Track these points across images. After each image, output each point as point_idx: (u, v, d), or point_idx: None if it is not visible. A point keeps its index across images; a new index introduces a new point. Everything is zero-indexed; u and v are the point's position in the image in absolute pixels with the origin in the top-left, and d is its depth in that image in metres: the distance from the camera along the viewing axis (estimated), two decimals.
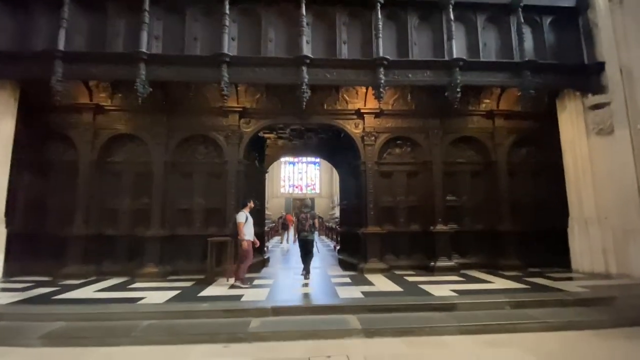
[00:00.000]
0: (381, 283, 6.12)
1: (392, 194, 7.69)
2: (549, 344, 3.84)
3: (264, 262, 8.47)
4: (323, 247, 13.18)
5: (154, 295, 5.37)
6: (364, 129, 7.54)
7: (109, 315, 4.42)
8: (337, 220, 24.12)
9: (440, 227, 7.30)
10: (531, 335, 4.11)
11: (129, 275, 6.75)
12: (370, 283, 6.11)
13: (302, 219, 6.82)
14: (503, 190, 7.66)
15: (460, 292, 5.31)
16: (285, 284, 6.27)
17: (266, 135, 9.82)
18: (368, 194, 7.34)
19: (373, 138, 7.52)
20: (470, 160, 7.97)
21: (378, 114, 7.57)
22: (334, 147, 9.86)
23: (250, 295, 5.30)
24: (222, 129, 7.40)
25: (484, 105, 7.91)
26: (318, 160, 38.13)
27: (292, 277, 6.97)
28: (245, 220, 6.08)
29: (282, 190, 36.89)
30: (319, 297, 5.33)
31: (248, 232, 6.09)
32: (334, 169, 35.08)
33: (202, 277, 6.57)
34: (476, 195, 7.87)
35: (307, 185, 37.62)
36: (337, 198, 32.66)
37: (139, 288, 5.96)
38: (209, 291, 5.68)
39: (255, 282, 6.41)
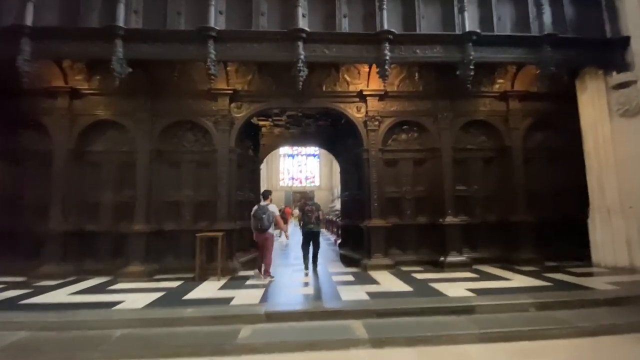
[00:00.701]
0: (387, 281, 5.56)
1: (398, 183, 7.09)
2: (584, 353, 3.29)
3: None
4: (323, 241, 12.60)
5: (135, 298, 4.81)
6: (366, 112, 6.89)
7: (78, 324, 3.85)
8: (337, 213, 23.58)
9: (450, 219, 6.72)
10: (563, 342, 3.57)
11: (112, 275, 6.18)
12: (375, 281, 5.55)
13: (308, 211, 6.60)
14: (518, 178, 7.06)
15: (477, 292, 4.75)
16: (281, 284, 5.70)
17: (261, 123, 9.18)
18: (371, 184, 6.74)
19: (377, 123, 6.88)
20: (482, 146, 7.35)
21: (382, 96, 6.92)
22: (334, 134, 9.22)
23: (242, 298, 4.73)
24: (211, 113, 6.74)
25: (497, 86, 7.25)
26: (317, 152, 37.78)
27: (290, 275, 6.41)
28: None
29: (281, 183, 36.52)
30: (319, 300, 4.75)
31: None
32: (333, 160, 34.50)
33: (191, 275, 6.00)
34: (488, 184, 7.27)
35: (306, 178, 37.31)
36: (337, 190, 32.12)
37: (120, 290, 5.39)
38: (197, 292, 5.11)
39: (249, 281, 5.85)
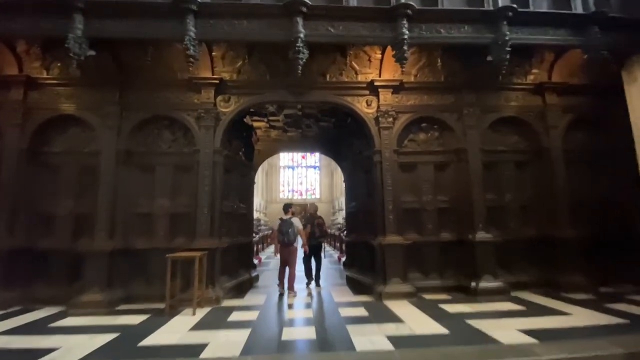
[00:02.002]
0: (412, 318, 4.30)
1: (417, 192, 5.91)
2: None
3: (251, 282, 6.66)
4: (325, 258, 11.34)
5: (76, 343, 3.57)
6: (378, 107, 5.79)
7: None
8: (339, 226, 22.28)
9: (481, 235, 5.52)
10: None
11: (65, 304, 4.93)
12: (396, 318, 4.29)
13: (319, 225, 6.81)
14: (559, 185, 5.89)
15: (537, 335, 3.50)
16: (274, 321, 4.44)
17: (256, 124, 8.08)
18: (385, 192, 5.56)
19: (391, 119, 5.76)
20: (515, 147, 6.20)
21: (397, 88, 5.82)
22: (338, 137, 8.10)
23: (219, 345, 3.48)
24: (192, 107, 5.64)
25: (531, 77, 6.17)
26: (318, 164, 36.98)
27: (286, 306, 5.16)
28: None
29: (281, 195, 35.66)
30: (325, 350, 3.47)
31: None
32: (335, 172, 33.43)
33: (163, 306, 4.76)
34: (523, 193, 6.09)
35: (306, 190, 36.60)
36: (338, 203, 30.86)
37: (65, 328, 4.15)
38: (161, 334, 3.86)
39: (234, 315, 4.60)
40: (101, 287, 5.05)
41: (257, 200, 29.62)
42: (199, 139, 5.56)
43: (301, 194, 36.28)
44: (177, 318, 4.45)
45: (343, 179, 9.54)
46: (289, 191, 36.29)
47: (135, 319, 4.42)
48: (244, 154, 6.93)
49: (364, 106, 5.83)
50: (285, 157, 36.91)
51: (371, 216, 5.97)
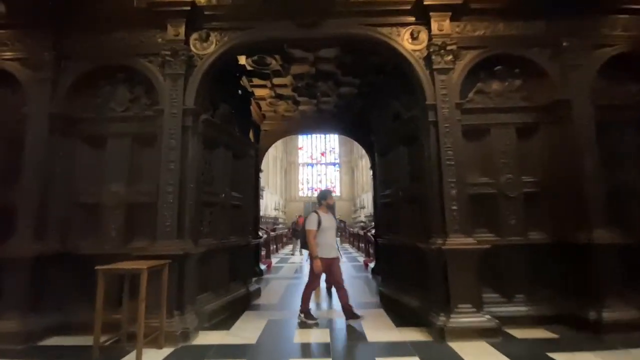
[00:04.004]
0: None
1: (489, 170, 3.89)
2: None
3: (248, 299, 4.85)
4: (347, 262, 9.43)
5: None
6: (430, 40, 3.80)
7: None
8: (362, 224, 20.19)
9: (601, 236, 3.45)
10: None
11: None
12: None
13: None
14: None
15: None
16: None
17: (258, 92, 6.30)
18: (445, 169, 3.59)
19: (450, 58, 3.77)
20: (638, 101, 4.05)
21: (459, 10, 3.81)
22: (365, 105, 6.18)
23: None
24: (155, 49, 3.88)
25: None
26: (337, 161, 35.19)
27: (292, 345, 3.30)
28: (317, 226, 3.93)
29: (300, 193, 34.37)
30: None
31: (323, 243, 3.94)
32: (355, 168, 31.51)
33: (107, 338, 3.04)
34: None
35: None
36: (360, 200, 28.79)
37: None
38: None
39: None
40: (22, 311, 3.44)
41: (276, 199, 28.12)
42: (162, 93, 3.80)
43: None
44: None
45: (370, 165, 7.62)
46: (308, 189, 34.88)
47: None
48: (238, 127, 5.13)
49: (407, 40, 3.87)
50: (304, 155, 35.53)
51: (419, 207, 4.02)
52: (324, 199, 4.15)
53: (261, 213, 20.39)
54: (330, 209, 4.19)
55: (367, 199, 25.01)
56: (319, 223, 3.91)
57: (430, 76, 3.78)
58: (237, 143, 4.95)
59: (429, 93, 3.76)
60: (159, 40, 3.89)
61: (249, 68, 5.31)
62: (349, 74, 5.43)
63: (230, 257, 4.58)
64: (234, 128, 4.99)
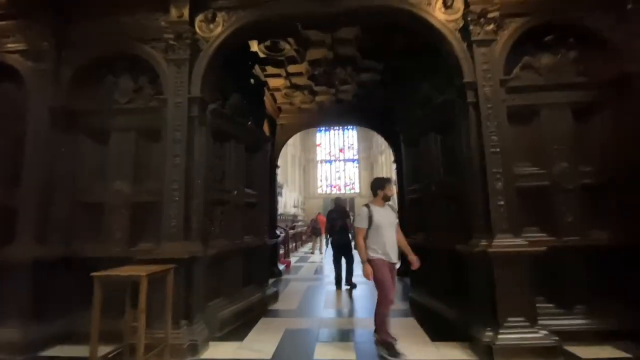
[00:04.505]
0: None
1: (539, 158, 3.31)
2: None
3: (265, 303, 4.48)
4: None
5: None
6: (466, 7, 3.25)
7: None
8: None
9: None
10: None
11: None
12: None
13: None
14: None
15: None
16: None
17: (273, 83, 5.92)
18: (489, 158, 3.05)
19: (490, 28, 3.21)
20: None
21: None
22: (388, 93, 5.67)
23: None
24: (158, 33, 3.55)
25: None
26: (356, 157, 34.54)
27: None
28: (369, 224, 3.05)
29: (319, 190, 34.07)
30: None
31: (375, 242, 3.02)
32: (374, 164, 30.71)
33: (110, 351, 2.75)
34: None
35: (345, 185, 34.64)
36: None
37: None
38: None
39: None
40: (25, 319, 3.21)
41: (295, 196, 27.91)
42: (166, 81, 3.47)
43: (339, 189, 34.53)
44: None
45: (393, 159, 7.10)
46: (327, 186, 34.54)
47: None
48: (252, 119, 4.76)
49: (440, 10, 3.34)
50: (322, 152, 35.13)
51: (456, 204, 3.50)
52: (380, 188, 3.18)
53: (280, 211, 20.30)
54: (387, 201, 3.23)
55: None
56: (370, 219, 3.04)
57: (468, 50, 3.24)
58: (250, 136, 4.58)
59: (467, 70, 3.22)
60: (162, 23, 3.55)
61: (261, 55, 4.92)
62: (370, 57, 4.94)
63: (244, 259, 4.22)
64: (247, 120, 4.62)
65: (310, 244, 13.52)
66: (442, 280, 3.67)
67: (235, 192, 4.11)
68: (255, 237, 4.56)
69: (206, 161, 3.54)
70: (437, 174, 3.86)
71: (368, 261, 2.97)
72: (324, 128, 34.90)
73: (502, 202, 2.97)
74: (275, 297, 4.85)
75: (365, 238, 3.04)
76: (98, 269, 2.76)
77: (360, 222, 3.08)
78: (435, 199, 3.84)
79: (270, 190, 6.12)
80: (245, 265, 4.24)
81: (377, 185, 3.23)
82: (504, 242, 2.87)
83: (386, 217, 3.09)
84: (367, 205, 3.15)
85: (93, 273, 2.58)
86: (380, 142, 27.23)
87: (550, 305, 3.14)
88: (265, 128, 6.54)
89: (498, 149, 3.06)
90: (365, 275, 2.94)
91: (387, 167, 25.16)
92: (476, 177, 3.09)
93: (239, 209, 4.21)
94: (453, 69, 3.37)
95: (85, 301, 3.37)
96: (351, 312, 4.34)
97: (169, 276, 2.87)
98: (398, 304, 4.57)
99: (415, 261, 3.11)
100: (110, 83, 3.79)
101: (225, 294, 3.83)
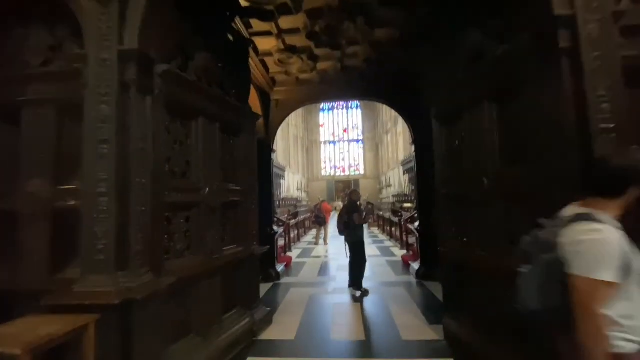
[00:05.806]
0: None
1: None
2: None
3: (253, 333, 3.45)
4: (381, 257, 7.96)
5: None
6: None
7: None
8: (390, 205, 18.43)
9: None
10: None
11: None
12: None
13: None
14: None
15: None
16: None
17: (262, 46, 4.68)
18: (596, 137, 1.88)
19: None
20: None
21: None
22: (413, 50, 4.41)
23: None
24: None
25: None
26: (361, 137, 33.11)
27: None
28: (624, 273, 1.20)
29: (323, 172, 33.14)
30: None
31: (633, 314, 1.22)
32: (380, 145, 29.28)
33: None
34: None
35: (350, 166, 33.70)
36: (386, 178, 26.79)
37: None
38: None
39: None
40: None
41: (298, 178, 26.84)
42: (86, 27, 2.29)
43: (344, 170, 33.56)
44: None
45: (411, 140, 5.93)
46: (331, 167, 33.47)
47: None
48: (232, 90, 3.58)
49: None
50: (325, 132, 33.81)
51: (526, 206, 2.36)
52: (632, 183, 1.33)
53: (283, 195, 19.26)
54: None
55: (393, 177, 23.19)
56: (627, 261, 1.21)
57: None
58: (228, 111, 3.41)
59: None
60: None
61: (243, 3, 3.67)
62: (390, 3, 3.66)
63: (225, 277, 3.17)
64: (225, 91, 3.45)
65: (314, 231, 12.51)
66: (499, 313, 2.58)
67: (207, 189, 2.99)
68: (240, 245, 3.49)
69: (157, 148, 2.41)
70: (491, 162, 2.69)
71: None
72: (327, 107, 33.42)
73: None
74: (268, 319, 3.83)
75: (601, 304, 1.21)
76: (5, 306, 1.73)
77: (602, 269, 1.20)
78: (491, 199, 2.68)
79: (263, 181, 4.99)
80: (226, 284, 3.19)
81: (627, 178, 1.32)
82: None
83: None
84: (600, 222, 1.26)
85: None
86: (385, 120, 25.72)
87: None
88: (257, 105, 5.37)
89: (612, 125, 1.88)
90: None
91: (392, 147, 23.82)
92: (571, 167, 1.93)
93: (215, 213, 3.11)
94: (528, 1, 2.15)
95: None
96: (369, 347, 3.27)
97: (87, 336, 1.81)
98: (426, 330, 3.53)
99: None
100: (18, 38, 2.61)
101: (197, 329, 2.80)
